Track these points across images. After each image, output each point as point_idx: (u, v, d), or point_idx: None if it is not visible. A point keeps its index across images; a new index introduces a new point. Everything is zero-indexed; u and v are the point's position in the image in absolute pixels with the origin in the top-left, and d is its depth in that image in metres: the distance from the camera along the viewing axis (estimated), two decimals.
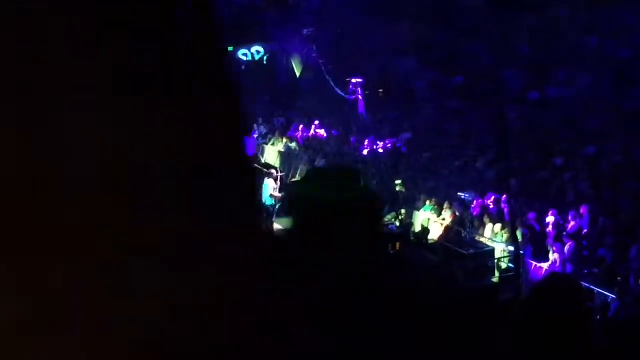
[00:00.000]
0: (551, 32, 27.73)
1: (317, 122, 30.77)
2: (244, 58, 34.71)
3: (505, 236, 18.89)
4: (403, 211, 22.29)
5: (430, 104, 28.88)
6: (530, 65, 27.77)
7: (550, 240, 18.52)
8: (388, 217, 22.22)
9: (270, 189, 22.78)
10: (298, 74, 33.06)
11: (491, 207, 20.65)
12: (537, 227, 19.10)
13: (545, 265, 17.74)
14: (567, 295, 3.15)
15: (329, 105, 31.05)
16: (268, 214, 22.27)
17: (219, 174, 0.70)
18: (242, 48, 33.73)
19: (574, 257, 17.54)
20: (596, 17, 26.91)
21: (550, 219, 19.01)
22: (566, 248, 17.76)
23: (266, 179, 23.62)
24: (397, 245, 18.71)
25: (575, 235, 18.16)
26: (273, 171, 24.91)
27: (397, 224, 21.50)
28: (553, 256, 17.76)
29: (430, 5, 30.33)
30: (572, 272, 17.13)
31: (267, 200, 22.40)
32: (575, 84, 25.95)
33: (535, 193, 20.86)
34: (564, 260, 17.54)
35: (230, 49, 33.19)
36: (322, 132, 30.32)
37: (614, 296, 15.86)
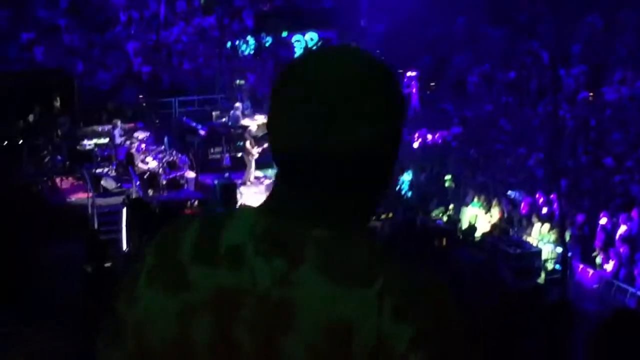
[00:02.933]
0: (608, 31, 27.40)
1: None
2: (297, 44, 34.68)
3: (553, 237, 18.72)
4: (451, 206, 22.17)
5: (483, 99, 28.68)
6: (586, 64, 27.48)
7: (599, 244, 18.31)
8: (436, 212, 22.13)
9: None
10: None
11: (540, 206, 20.45)
12: (586, 229, 18.89)
13: (593, 270, 17.57)
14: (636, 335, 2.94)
15: None
16: None
17: None
18: (297, 34, 33.68)
19: (628, 263, 17.32)
20: None
21: (602, 221, 18.77)
22: (615, 253, 17.55)
23: None
24: (444, 240, 18.67)
25: (629, 240, 17.91)
26: None
27: (445, 219, 21.41)
28: (605, 261, 17.55)
29: None
30: (626, 277, 16.94)
31: None
32: (630, 85, 25.63)
33: (586, 194, 20.63)
34: (619, 266, 17.33)
35: (285, 34, 33.29)
36: None
37: None
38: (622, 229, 18.32)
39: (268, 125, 1.80)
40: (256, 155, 26.01)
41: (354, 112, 1.69)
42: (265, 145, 27.80)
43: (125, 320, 1.86)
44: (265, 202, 1.83)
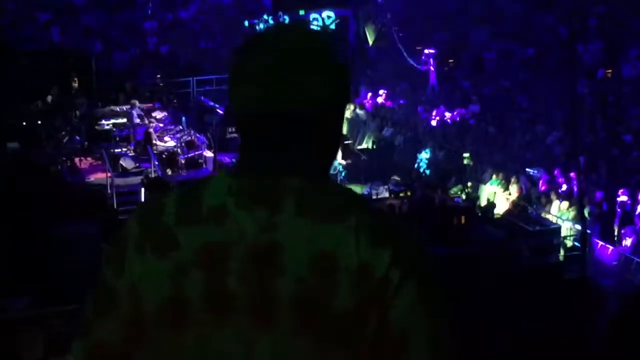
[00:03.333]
0: (628, 6, 27.17)
1: (386, 91, 30.63)
2: (315, 23, 34.58)
3: (572, 214, 18.66)
4: (469, 184, 22.13)
5: (501, 76, 28.56)
6: (605, 40, 27.29)
7: (618, 221, 18.25)
8: (454, 190, 22.11)
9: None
10: (370, 42, 32.86)
11: (559, 183, 20.38)
12: (605, 206, 18.82)
13: (612, 247, 17.50)
14: None
15: (399, 75, 30.87)
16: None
17: None
18: (313, 12, 33.56)
19: None
20: None
21: (621, 198, 18.69)
22: (635, 230, 17.48)
23: None
24: (462, 218, 18.63)
25: None
26: None
27: (463, 197, 21.38)
28: (624, 239, 17.48)
29: None
30: None
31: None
32: None
33: (605, 171, 20.54)
34: (638, 242, 17.26)
35: (302, 12, 33.19)
36: (390, 101, 30.17)
37: None
38: None
39: (231, 91, 1.98)
40: None
41: (304, 74, 1.91)
42: None
43: (116, 289, 1.97)
44: (235, 165, 2.02)
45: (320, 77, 1.94)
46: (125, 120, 25.51)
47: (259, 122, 1.94)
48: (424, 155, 24.26)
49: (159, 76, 30.69)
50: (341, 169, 22.61)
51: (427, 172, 23.85)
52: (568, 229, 18.54)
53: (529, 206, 19.96)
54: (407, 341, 1.86)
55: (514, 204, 20.25)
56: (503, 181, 21.37)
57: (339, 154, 22.71)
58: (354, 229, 1.86)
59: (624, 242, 17.46)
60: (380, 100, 30.39)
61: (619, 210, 18.50)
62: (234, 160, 22.53)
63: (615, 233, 18.20)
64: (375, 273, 1.84)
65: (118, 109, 26.73)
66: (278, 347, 1.86)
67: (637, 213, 18.12)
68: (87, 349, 2.02)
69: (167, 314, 1.90)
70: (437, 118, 27.24)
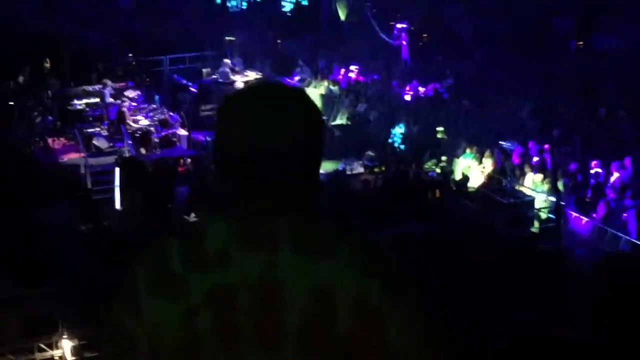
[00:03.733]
0: None
1: (359, 66, 30.61)
2: (286, 2, 34.53)
3: (547, 186, 18.75)
4: (444, 158, 22.18)
5: (474, 50, 28.58)
6: (578, 14, 27.34)
7: (591, 192, 18.35)
8: (429, 164, 22.15)
9: None
10: (343, 17, 32.78)
11: (533, 156, 20.46)
12: (579, 177, 18.92)
13: (586, 218, 17.60)
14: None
15: (372, 50, 30.82)
16: None
17: None
18: None
19: (617, 210, 17.35)
20: None
21: (594, 170, 18.80)
22: (608, 200, 17.57)
23: None
24: (437, 192, 18.70)
25: (621, 187, 17.93)
26: None
27: (438, 171, 21.43)
28: (598, 209, 17.57)
29: None
30: (618, 224, 16.98)
31: None
32: (624, 34, 25.53)
33: (578, 143, 20.64)
34: (607, 214, 17.36)
35: None
36: (363, 76, 30.16)
37: None
38: (615, 176, 18.37)
39: (223, 133, 2.18)
40: None
41: (286, 118, 2.14)
42: None
43: (135, 333, 2.20)
44: (228, 205, 2.20)
45: (298, 121, 2.15)
46: (98, 99, 25.37)
47: (249, 161, 2.13)
48: (398, 130, 24.27)
49: (131, 55, 30.53)
50: None
51: (402, 147, 23.87)
52: (542, 201, 18.63)
53: (503, 179, 20.03)
54: None
55: (489, 177, 20.31)
56: (477, 155, 21.41)
57: None
58: (346, 262, 2.12)
59: (597, 214, 17.55)
60: (353, 75, 30.37)
61: (592, 181, 18.61)
62: (207, 138, 22.50)
63: (590, 204, 18.30)
64: (368, 302, 2.10)
65: (90, 89, 26.56)
66: None
67: (609, 184, 18.22)
68: None
69: (182, 351, 2.15)
70: (411, 93, 27.25)
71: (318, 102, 28.96)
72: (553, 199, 17.51)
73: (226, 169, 2.18)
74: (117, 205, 19.30)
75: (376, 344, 2.11)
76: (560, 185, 17.76)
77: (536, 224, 18.03)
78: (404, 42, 29.99)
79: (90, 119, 24.54)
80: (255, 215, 2.15)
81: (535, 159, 20.22)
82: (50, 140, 23.33)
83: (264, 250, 2.12)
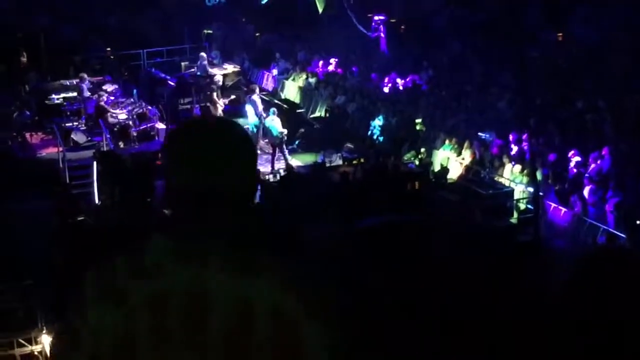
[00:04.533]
0: None
1: (337, 59, 30.60)
2: None
3: (526, 177, 18.79)
4: (422, 150, 22.21)
5: (452, 42, 28.61)
6: (555, 4, 27.38)
7: (570, 182, 18.40)
8: (407, 156, 22.17)
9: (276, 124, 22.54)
10: (320, 10, 32.73)
11: (511, 147, 20.50)
12: (557, 168, 18.96)
13: (564, 208, 17.66)
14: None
15: (350, 42, 30.80)
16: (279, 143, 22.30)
17: None
18: None
19: (595, 200, 17.40)
20: None
21: (572, 160, 18.84)
22: (586, 191, 17.63)
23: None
24: (416, 184, 18.71)
25: (596, 178, 17.98)
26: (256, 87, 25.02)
27: (417, 162, 21.45)
28: (576, 199, 17.61)
29: None
30: (597, 214, 17.04)
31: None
32: (601, 24, 25.58)
33: (557, 134, 20.68)
34: (585, 203, 17.42)
35: None
36: (342, 68, 30.16)
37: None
38: (593, 167, 18.43)
39: (169, 171, 2.47)
40: (222, 106, 25.97)
41: (221, 159, 2.43)
42: (233, 97, 27.72)
43: (82, 331, 2.48)
44: (170, 226, 2.47)
45: (233, 161, 2.45)
46: (75, 94, 25.26)
47: (187, 196, 2.43)
48: (377, 122, 24.27)
49: (108, 49, 30.41)
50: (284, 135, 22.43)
51: (381, 139, 23.88)
52: (521, 191, 18.67)
53: (482, 170, 20.07)
54: None
55: (467, 169, 20.36)
56: (456, 146, 21.45)
57: (281, 123, 22.66)
58: (266, 279, 2.36)
59: (575, 204, 17.61)
60: (331, 68, 30.36)
61: (571, 171, 18.66)
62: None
63: (568, 195, 18.34)
64: (285, 314, 2.35)
65: (68, 83, 26.45)
66: None
67: (586, 175, 18.27)
68: None
69: (120, 350, 2.43)
70: (390, 85, 27.26)
71: (297, 95, 28.97)
72: (531, 189, 17.55)
73: (170, 197, 2.48)
74: (96, 199, 19.25)
75: (293, 352, 2.36)
76: (539, 175, 17.79)
77: (515, 214, 18.07)
78: (382, 34, 30.00)
79: (68, 113, 24.43)
80: (190, 236, 2.42)
81: (515, 148, 20.25)
82: (28, 135, 23.24)
83: (194, 266, 2.38)
